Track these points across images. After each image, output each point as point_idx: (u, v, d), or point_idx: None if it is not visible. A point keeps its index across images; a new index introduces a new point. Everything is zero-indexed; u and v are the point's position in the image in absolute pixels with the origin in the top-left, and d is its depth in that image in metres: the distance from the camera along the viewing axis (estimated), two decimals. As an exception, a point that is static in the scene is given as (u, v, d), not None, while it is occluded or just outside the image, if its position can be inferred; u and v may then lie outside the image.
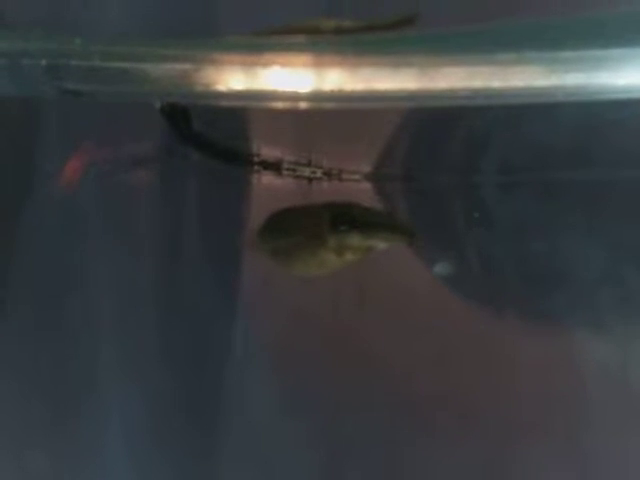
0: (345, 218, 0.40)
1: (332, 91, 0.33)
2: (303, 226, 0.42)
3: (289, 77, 0.33)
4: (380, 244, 0.40)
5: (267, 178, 0.63)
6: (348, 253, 0.40)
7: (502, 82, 0.29)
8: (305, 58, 0.31)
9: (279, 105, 0.34)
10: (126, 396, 0.54)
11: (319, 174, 0.63)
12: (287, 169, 0.63)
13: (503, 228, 0.64)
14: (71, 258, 0.53)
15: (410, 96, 0.31)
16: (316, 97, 0.33)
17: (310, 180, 0.63)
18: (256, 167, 0.62)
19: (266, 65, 0.31)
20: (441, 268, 0.63)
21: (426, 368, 0.61)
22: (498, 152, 0.60)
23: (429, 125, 0.58)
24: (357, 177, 0.64)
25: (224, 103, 0.33)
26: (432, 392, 0.60)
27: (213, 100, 0.33)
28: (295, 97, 0.33)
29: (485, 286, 0.64)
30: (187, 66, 0.31)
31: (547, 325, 0.62)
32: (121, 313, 0.55)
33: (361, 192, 0.64)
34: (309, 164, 0.63)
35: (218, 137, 0.58)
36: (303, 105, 0.34)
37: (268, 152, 0.62)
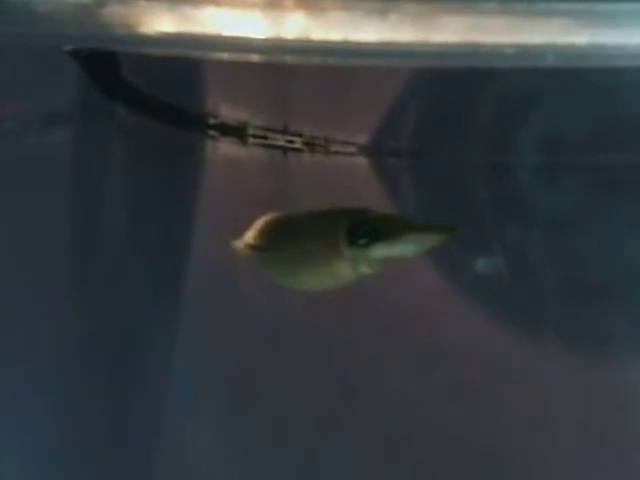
0: (365, 228, 0.40)
1: (295, 41, 0.32)
2: (315, 233, 0.42)
3: (233, 19, 0.31)
4: (411, 251, 0.40)
5: (227, 147, 0.62)
6: (366, 266, 0.41)
7: (517, 37, 0.29)
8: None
9: (224, 56, 0.34)
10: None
11: (298, 144, 0.63)
12: (254, 136, 0.62)
13: (543, 223, 0.64)
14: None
15: (398, 52, 0.30)
16: (273, 48, 0.32)
17: (285, 151, 0.63)
18: (212, 132, 0.62)
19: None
20: (486, 265, 0.63)
21: (438, 405, 0.61)
22: (541, 124, 0.59)
23: (447, 84, 0.57)
24: (350, 150, 0.64)
25: (133, 50, 0.34)
26: (446, 434, 0.61)
27: (120, 46, 0.34)
28: (244, 46, 0.32)
29: (517, 298, 0.63)
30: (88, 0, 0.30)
31: (597, 351, 0.62)
32: (21, 308, 0.56)
33: (354, 170, 0.65)
34: (285, 131, 0.62)
35: (157, 90, 0.58)
36: (255, 58, 0.34)
37: (229, 112, 0.61)
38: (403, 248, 0.40)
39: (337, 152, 0.64)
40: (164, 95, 0.58)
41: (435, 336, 0.62)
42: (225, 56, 0.34)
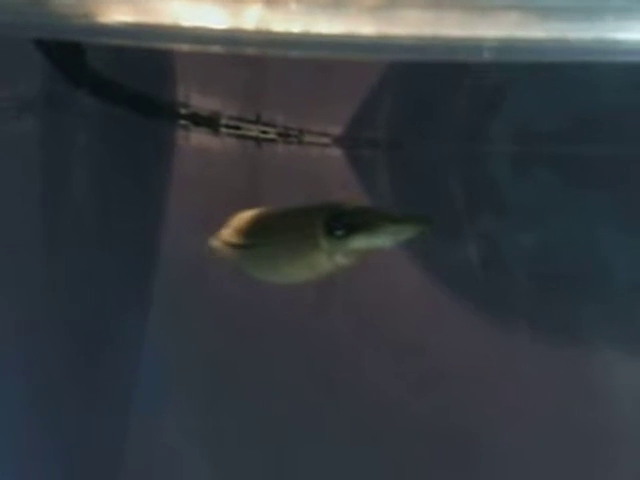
0: (341, 220, 0.40)
1: (255, 32, 0.31)
2: (291, 227, 0.42)
3: (192, 10, 0.31)
4: (387, 242, 0.40)
5: (198, 137, 0.62)
6: (344, 257, 0.41)
7: (474, 31, 0.28)
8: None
9: (183, 47, 0.34)
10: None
11: (272, 135, 0.62)
12: (227, 126, 0.61)
13: (516, 214, 0.63)
14: None
15: (357, 44, 0.30)
16: (232, 39, 0.32)
17: (259, 142, 0.62)
18: (183, 122, 0.61)
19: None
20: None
21: (414, 396, 0.61)
22: (514, 114, 0.59)
23: (422, 75, 0.57)
24: (324, 140, 0.63)
25: (90, 40, 0.33)
26: (421, 427, 0.61)
27: (77, 36, 0.33)
28: (203, 38, 0.32)
29: (491, 289, 0.63)
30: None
31: (569, 342, 0.62)
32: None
33: (329, 161, 0.64)
34: (258, 120, 0.62)
35: (126, 78, 0.57)
36: (215, 49, 0.33)
37: (201, 102, 0.61)
38: (380, 240, 0.40)
39: (311, 143, 0.64)
40: (133, 83, 0.57)
41: (410, 329, 0.62)
42: (185, 47, 0.34)
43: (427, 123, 0.62)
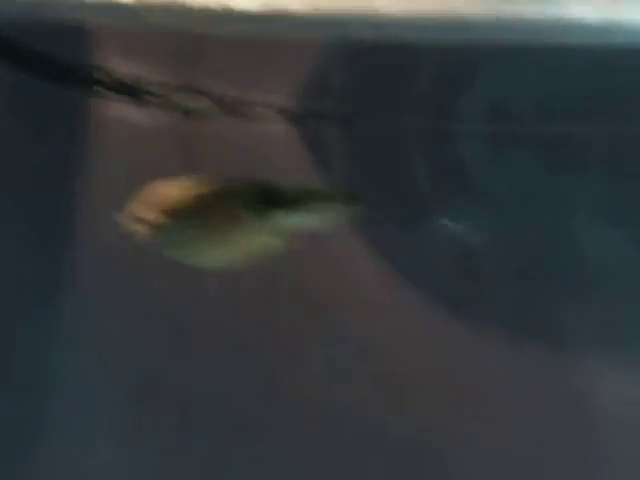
0: (266, 194, 0.41)
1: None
2: (212, 202, 0.43)
3: None
4: (315, 220, 0.41)
5: (119, 108, 0.60)
6: (269, 236, 0.42)
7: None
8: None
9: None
10: None
11: (205, 105, 0.60)
12: (152, 94, 0.59)
13: (491, 201, 0.63)
14: None
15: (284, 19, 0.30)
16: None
17: (189, 114, 0.61)
18: (101, 90, 0.59)
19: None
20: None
21: (364, 401, 0.61)
22: (489, 88, 0.57)
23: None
24: (268, 112, 0.61)
25: None
26: (390, 437, 0.61)
27: None
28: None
29: (462, 286, 0.62)
30: None
31: (548, 346, 0.62)
32: None
33: (274, 136, 0.62)
34: (189, 88, 0.59)
35: (35, 40, 0.53)
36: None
37: (121, 66, 0.57)
38: (306, 218, 0.41)
39: (253, 116, 0.62)
40: (43, 46, 0.54)
41: (365, 328, 0.62)
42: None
43: (387, 94, 0.59)
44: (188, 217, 0.43)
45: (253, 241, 0.41)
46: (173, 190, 0.44)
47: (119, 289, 0.61)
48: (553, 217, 0.62)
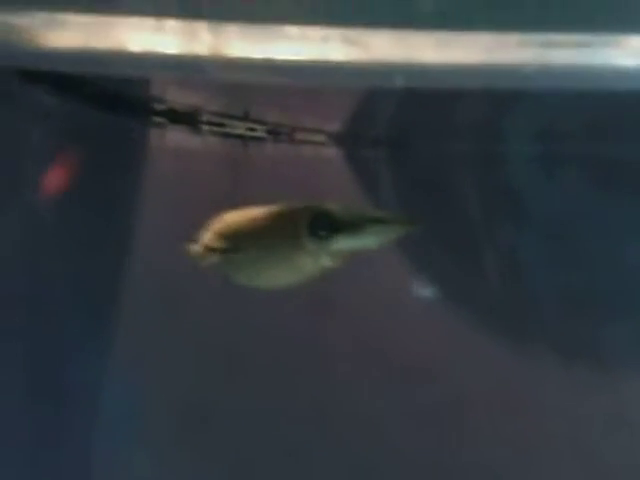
0: (325, 221, 0.42)
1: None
2: (274, 229, 0.44)
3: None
4: (372, 242, 0.42)
5: (176, 136, 0.60)
6: (328, 258, 0.42)
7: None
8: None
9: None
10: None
11: (261, 133, 0.61)
12: (209, 123, 0.60)
13: (537, 223, 0.63)
14: None
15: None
16: None
17: (246, 141, 0.61)
18: (158, 119, 0.59)
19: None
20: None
21: (416, 430, 0.61)
22: (533, 109, 0.57)
23: None
24: (319, 139, 0.62)
25: None
26: (426, 462, 0.60)
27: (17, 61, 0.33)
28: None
29: (506, 307, 0.62)
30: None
31: (596, 368, 0.61)
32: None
33: (325, 161, 0.63)
34: (245, 117, 0.60)
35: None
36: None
37: (178, 96, 0.59)
38: (364, 240, 0.42)
39: (305, 141, 0.63)
40: (98, 77, 0.53)
41: (417, 353, 0.61)
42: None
43: (436, 119, 0.59)
44: (252, 243, 0.44)
45: (313, 264, 0.42)
46: (238, 217, 0.45)
47: (168, 315, 0.61)
48: (604, 240, 0.61)
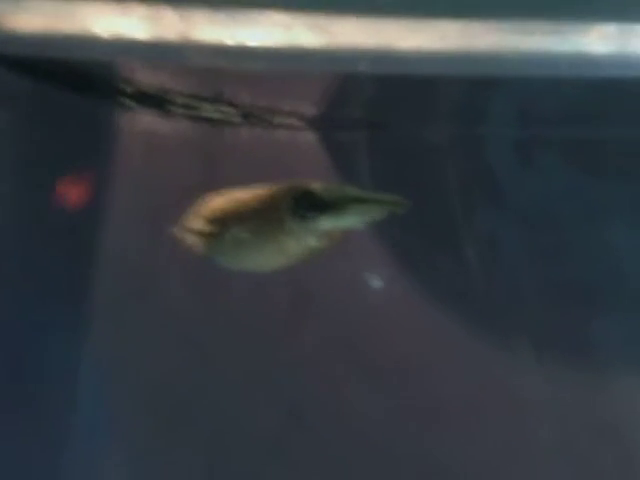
0: (309, 201, 0.43)
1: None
2: (259, 210, 0.44)
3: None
4: (357, 222, 0.43)
5: (145, 120, 0.60)
6: (314, 239, 0.43)
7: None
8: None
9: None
10: None
11: (234, 116, 0.61)
12: (178, 105, 0.59)
13: (521, 209, 0.63)
14: None
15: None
16: None
17: (218, 124, 0.61)
18: (126, 101, 0.59)
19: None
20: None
21: (395, 426, 0.60)
22: (514, 92, 0.57)
23: None
24: (296, 122, 0.62)
25: None
26: (415, 463, 0.60)
27: None
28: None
29: (490, 301, 0.62)
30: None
31: (581, 363, 0.61)
32: None
33: (302, 146, 0.63)
34: (217, 99, 0.60)
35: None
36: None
37: (147, 78, 0.58)
38: (350, 220, 0.42)
39: (281, 125, 0.63)
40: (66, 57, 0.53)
41: (393, 347, 0.61)
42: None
43: (414, 102, 0.59)
44: (237, 225, 0.45)
45: (298, 245, 0.43)
46: (222, 200, 0.46)
47: (140, 303, 0.61)
48: (587, 226, 0.62)
